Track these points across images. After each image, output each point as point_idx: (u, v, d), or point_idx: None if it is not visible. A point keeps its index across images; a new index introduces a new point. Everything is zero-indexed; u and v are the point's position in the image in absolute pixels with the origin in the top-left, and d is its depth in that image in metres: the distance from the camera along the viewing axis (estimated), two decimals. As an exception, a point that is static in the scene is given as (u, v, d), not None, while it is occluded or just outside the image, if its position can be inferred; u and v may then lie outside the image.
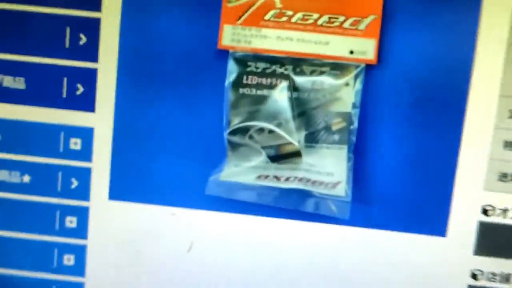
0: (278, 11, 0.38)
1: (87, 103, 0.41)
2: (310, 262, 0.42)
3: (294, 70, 0.39)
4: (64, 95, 0.41)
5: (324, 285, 0.41)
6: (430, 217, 0.40)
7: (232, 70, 0.39)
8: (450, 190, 0.40)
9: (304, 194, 0.39)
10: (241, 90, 0.39)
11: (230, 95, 0.39)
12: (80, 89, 0.41)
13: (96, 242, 0.42)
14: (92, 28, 0.40)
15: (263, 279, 0.41)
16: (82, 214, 0.42)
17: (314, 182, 0.39)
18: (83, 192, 0.42)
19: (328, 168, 0.39)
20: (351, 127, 0.39)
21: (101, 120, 0.41)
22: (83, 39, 0.40)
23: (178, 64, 0.40)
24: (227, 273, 0.42)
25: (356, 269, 0.41)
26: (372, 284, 0.41)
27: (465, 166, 0.39)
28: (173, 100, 0.40)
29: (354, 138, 0.39)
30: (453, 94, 0.39)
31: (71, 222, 0.42)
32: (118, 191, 0.42)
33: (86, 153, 0.41)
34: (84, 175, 0.42)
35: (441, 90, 0.39)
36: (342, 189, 0.38)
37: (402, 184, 0.40)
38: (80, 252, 0.42)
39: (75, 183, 0.42)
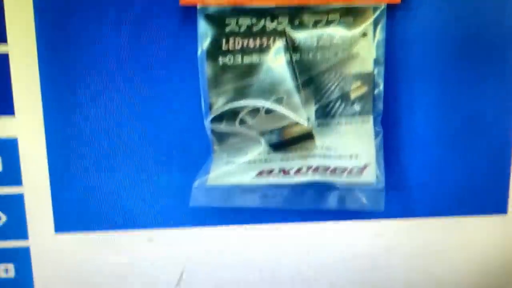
0: None
1: (1, 104, 0.34)
2: (347, 269, 0.38)
3: (291, 23, 0.34)
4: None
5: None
6: (486, 194, 0.37)
7: (205, 33, 0.34)
8: (508, 159, 0.36)
9: (323, 188, 0.35)
10: (221, 60, 0.34)
11: (206, 69, 0.34)
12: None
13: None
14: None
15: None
16: (21, 258, 0.37)
17: (334, 170, 0.34)
18: (17, 228, 0.37)
19: (350, 149, 0.35)
20: (376, 91, 0.35)
21: (25, 126, 0.35)
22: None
23: (125, 35, 0.34)
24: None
25: (406, 269, 0.38)
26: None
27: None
28: (126, 88, 0.35)
29: (381, 106, 0.35)
30: (507, 36, 0.34)
31: (7, 271, 0.37)
32: (67, 220, 0.37)
33: (11, 175, 0.35)
34: (15, 205, 0.36)
35: (491, 33, 0.34)
36: (372, 174, 0.34)
37: (447, 160, 0.36)
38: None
39: (2, 218, 0.36)
